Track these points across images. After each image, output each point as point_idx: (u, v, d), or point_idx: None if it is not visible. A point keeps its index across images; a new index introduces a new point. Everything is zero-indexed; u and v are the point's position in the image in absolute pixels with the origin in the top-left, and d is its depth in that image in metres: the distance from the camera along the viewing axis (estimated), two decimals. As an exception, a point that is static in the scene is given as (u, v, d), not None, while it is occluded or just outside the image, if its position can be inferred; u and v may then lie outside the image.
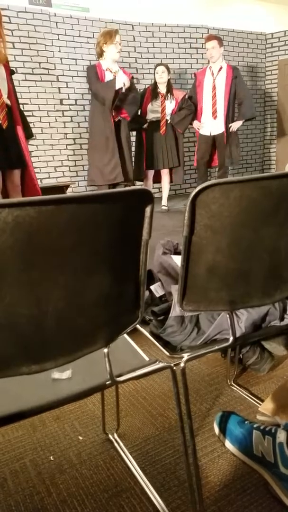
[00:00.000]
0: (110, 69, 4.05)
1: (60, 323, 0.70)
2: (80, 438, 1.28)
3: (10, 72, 3.07)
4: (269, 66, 6.52)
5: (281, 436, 1.06)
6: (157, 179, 5.01)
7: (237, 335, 1.00)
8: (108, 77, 4.06)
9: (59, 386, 0.87)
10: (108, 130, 4.08)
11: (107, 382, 0.83)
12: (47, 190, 4.78)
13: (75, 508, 1.04)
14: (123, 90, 4.03)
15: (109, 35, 3.97)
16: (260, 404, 1.36)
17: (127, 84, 4.04)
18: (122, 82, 4.00)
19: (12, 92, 3.02)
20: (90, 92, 4.21)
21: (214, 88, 4.68)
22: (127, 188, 0.71)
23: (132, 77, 4.25)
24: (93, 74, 4.04)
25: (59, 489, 1.10)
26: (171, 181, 5.03)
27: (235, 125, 4.73)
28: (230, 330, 0.98)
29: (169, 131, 4.74)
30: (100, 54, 4.06)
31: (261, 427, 1.13)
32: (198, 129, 4.85)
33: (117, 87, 3.95)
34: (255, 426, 1.15)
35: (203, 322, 1.25)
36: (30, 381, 0.84)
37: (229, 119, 4.71)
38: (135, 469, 1.15)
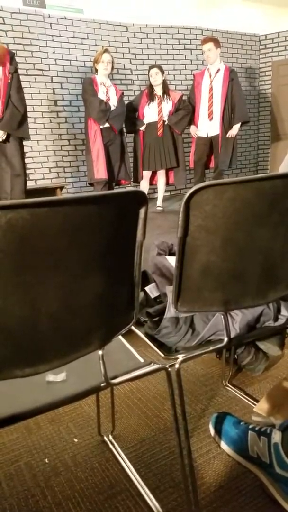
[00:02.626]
0: (103, 83, 4.39)
1: (54, 325, 0.70)
2: (75, 440, 1.28)
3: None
4: (263, 68, 6.55)
5: (276, 436, 1.07)
6: (155, 181, 5.02)
7: (232, 335, 1.01)
8: (101, 90, 4.36)
9: (54, 389, 0.87)
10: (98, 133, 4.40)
11: (102, 385, 0.83)
12: (41, 191, 4.77)
13: (70, 510, 1.04)
14: (113, 108, 4.41)
15: (99, 54, 4.35)
16: (255, 405, 1.37)
17: (115, 104, 4.44)
18: (113, 105, 4.41)
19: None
20: (83, 100, 4.51)
21: (211, 89, 4.68)
22: (121, 190, 0.71)
23: (122, 94, 4.58)
24: (90, 87, 4.33)
25: (54, 491, 1.10)
26: (168, 183, 5.04)
27: (232, 132, 4.71)
28: (224, 330, 0.98)
29: (167, 133, 4.75)
30: (95, 70, 4.47)
31: (256, 428, 1.13)
32: (195, 135, 4.84)
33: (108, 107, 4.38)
34: (250, 426, 1.15)
35: (198, 323, 1.25)
36: (24, 384, 0.83)
37: (225, 121, 4.71)
38: (130, 471, 1.15)
